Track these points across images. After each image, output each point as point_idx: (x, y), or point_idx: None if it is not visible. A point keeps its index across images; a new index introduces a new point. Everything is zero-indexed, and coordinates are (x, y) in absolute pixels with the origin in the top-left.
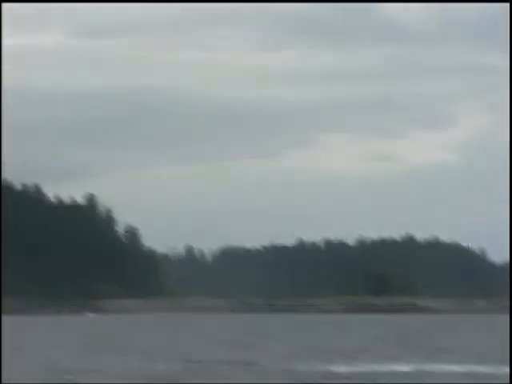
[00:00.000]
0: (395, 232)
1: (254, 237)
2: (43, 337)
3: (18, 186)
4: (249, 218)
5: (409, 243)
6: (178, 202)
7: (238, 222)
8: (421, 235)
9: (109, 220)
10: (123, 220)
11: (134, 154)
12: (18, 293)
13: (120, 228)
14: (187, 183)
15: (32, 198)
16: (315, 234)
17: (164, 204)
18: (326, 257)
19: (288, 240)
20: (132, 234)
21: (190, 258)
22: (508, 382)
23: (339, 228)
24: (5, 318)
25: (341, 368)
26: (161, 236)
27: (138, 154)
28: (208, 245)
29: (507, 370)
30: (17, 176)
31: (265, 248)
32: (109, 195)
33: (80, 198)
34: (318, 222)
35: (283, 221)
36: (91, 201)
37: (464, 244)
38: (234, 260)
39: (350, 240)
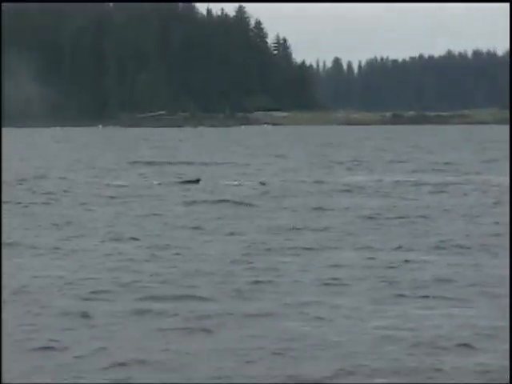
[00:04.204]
0: None
1: (401, 49)
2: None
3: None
4: (395, 29)
5: None
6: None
7: (385, 34)
8: None
9: (259, 32)
10: (273, 32)
11: None
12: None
13: (270, 40)
14: None
15: (183, 13)
16: (464, 44)
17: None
18: (473, 68)
19: (436, 51)
20: (282, 45)
21: (338, 71)
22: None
23: (487, 40)
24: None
25: None
26: (309, 49)
27: None
28: (355, 57)
29: None
30: None
31: (412, 59)
32: (259, 7)
33: (230, 11)
34: (466, 32)
35: (431, 32)
36: (241, 13)
37: None
38: (381, 72)
39: (500, 50)
